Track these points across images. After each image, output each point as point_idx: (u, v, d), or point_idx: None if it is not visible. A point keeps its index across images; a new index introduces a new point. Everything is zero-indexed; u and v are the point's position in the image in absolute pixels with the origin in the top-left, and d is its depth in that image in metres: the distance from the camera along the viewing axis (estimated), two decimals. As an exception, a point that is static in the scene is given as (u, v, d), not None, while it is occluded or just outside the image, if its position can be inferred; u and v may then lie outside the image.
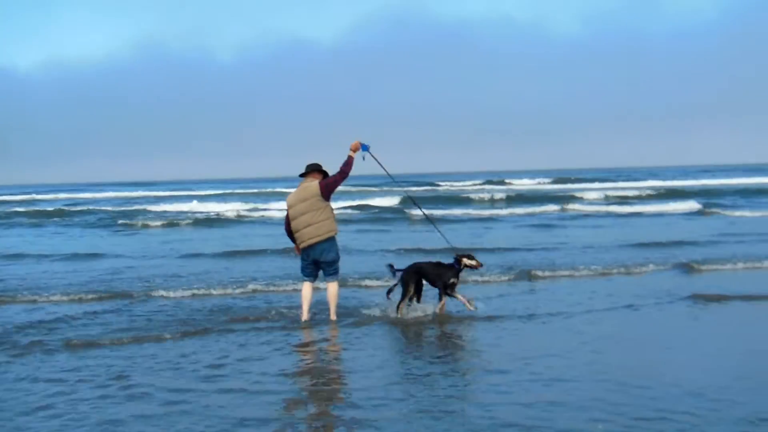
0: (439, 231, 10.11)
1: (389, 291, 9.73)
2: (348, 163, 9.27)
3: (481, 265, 9.61)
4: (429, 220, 10.91)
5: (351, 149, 9.31)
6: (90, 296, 11.20)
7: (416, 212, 27.18)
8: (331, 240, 9.31)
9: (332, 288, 9.46)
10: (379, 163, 9.61)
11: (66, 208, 38.17)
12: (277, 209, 33.09)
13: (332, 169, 9.30)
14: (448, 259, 9.66)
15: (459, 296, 9.47)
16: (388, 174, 10.05)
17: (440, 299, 9.52)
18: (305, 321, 9.36)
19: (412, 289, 9.48)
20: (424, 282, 9.63)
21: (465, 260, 9.50)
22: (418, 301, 9.64)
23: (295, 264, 11.00)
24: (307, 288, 9.47)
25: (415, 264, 9.67)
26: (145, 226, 26.63)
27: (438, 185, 65.03)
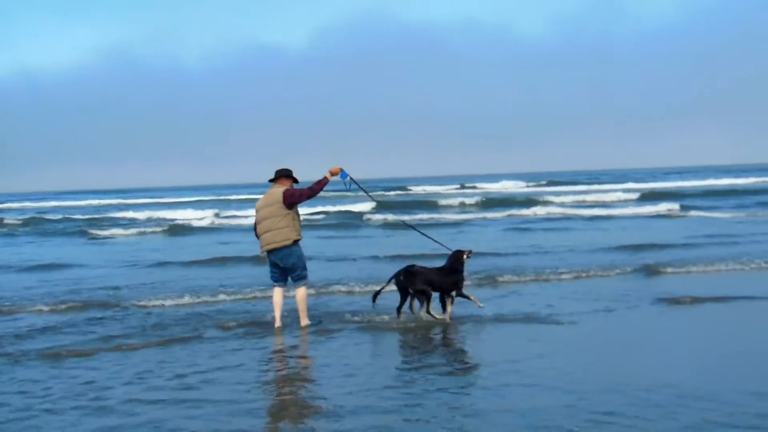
0: (433, 239, 10.36)
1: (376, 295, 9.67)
2: (320, 183, 9.42)
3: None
4: (422, 233, 10.73)
5: (330, 172, 9.48)
6: (61, 306, 11.05)
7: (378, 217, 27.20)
8: (289, 247, 9.41)
9: (298, 293, 9.56)
10: (362, 188, 9.85)
11: (37, 216, 37.61)
12: (245, 216, 32.98)
13: (311, 175, 9.53)
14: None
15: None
16: (373, 199, 10.46)
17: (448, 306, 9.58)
18: (278, 327, 9.43)
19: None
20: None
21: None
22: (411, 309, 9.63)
23: (263, 271, 11.12)
24: (276, 293, 9.59)
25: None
26: (113, 236, 26.25)
27: (409, 189, 65.09)
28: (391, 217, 27.59)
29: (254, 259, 15.23)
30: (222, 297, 11.65)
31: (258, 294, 11.65)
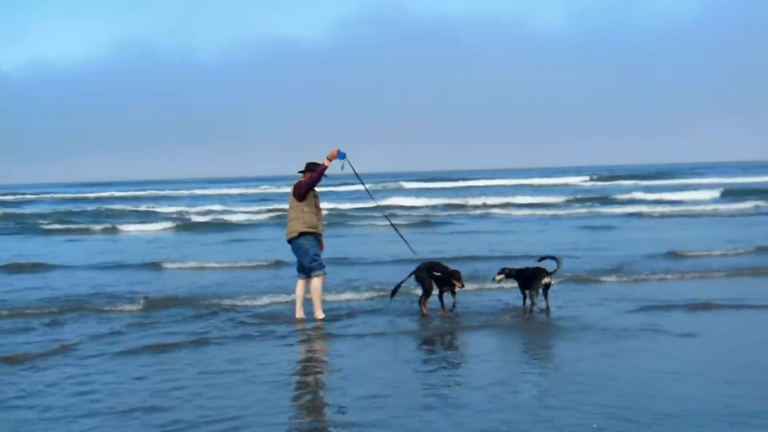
0: (405, 240, 10.56)
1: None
2: (318, 170, 9.74)
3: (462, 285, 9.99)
4: (395, 229, 11.06)
5: (327, 157, 9.76)
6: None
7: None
8: (296, 239, 9.82)
9: (313, 283, 9.89)
10: (354, 172, 10.12)
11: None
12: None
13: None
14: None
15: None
16: (362, 183, 10.82)
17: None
18: (299, 319, 9.83)
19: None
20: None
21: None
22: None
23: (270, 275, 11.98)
24: (298, 285, 10.00)
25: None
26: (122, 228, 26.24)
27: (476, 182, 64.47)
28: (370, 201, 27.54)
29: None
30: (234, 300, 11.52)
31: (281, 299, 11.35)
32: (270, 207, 36.03)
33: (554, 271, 9.67)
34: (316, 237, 9.95)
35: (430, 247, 16.67)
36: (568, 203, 35.68)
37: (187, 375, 7.03)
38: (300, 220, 9.87)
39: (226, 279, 13.31)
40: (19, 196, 62.48)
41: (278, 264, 14.77)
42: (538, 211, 30.34)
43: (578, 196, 39.09)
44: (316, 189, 10.08)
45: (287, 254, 11.12)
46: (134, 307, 10.66)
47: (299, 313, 9.92)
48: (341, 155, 9.82)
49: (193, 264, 15.39)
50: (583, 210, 30.69)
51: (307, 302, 9.91)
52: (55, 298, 11.42)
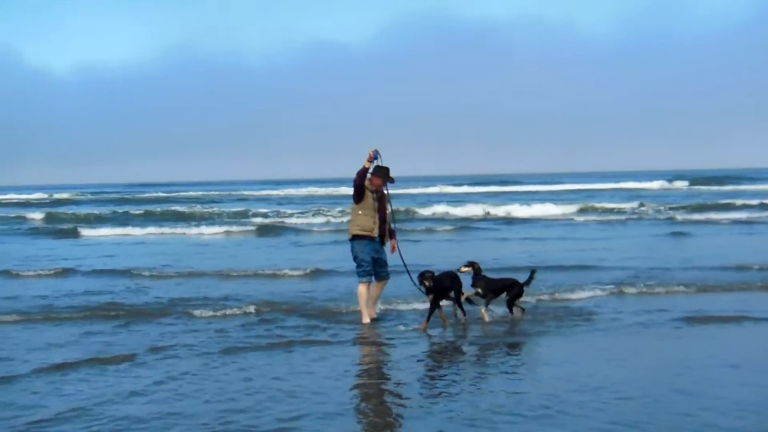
0: (400, 253, 10.61)
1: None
2: (358, 173, 10.13)
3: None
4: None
5: (367, 159, 10.12)
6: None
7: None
8: (353, 240, 10.31)
9: (358, 288, 10.35)
10: (370, 166, 10.23)
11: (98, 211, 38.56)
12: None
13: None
14: None
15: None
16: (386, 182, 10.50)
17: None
18: (365, 324, 10.18)
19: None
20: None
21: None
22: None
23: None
24: (362, 288, 10.35)
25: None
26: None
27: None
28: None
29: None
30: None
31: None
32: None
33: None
34: (371, 240, 10.22)
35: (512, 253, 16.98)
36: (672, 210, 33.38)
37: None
38: (354, 222, 10.31)
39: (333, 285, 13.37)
40: (95, 195, 64.81)
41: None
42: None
43: (673, 204, 35.70)
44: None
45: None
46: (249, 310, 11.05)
47: (365, 318, 10.24)
48: (375, 155, 10.09)
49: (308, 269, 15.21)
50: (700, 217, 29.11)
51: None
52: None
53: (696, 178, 67.45)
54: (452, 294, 10.19)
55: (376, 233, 10.30)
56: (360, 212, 10.26)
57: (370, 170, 10.19)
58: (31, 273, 15.73)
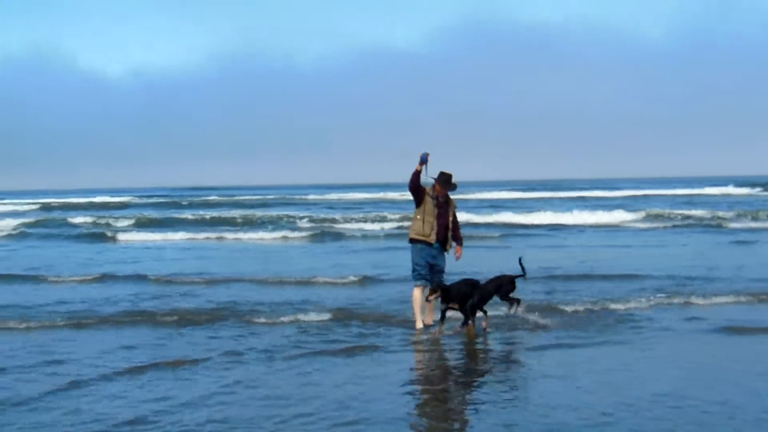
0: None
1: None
2: (412, 174, 10.13)
3: None
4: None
5: (418, 162, 10.08)
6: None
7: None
8: (410, 243, 10.42)
9: (413, 291, 10.36)
10: (425, 170, 10.15)
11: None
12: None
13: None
14: None
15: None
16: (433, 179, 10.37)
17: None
18: (418, 329, 10.12)
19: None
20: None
21: None
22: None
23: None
24: (416, 292, 10.31)
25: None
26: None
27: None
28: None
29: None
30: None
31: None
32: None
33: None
34: (427, 245, 10.22)
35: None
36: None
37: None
38: (412, 226, 10.46)
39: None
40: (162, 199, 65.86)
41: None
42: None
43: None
44: (453, 197, 10.53)
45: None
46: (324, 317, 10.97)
47: (419, 323, 10.18)
48: (423, 158, 10.03)
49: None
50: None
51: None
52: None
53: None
54: (471, 301, 9.94)
55: (432, 238, 10.25)
56: (418, 216, 10.30)
57: (423, 174, 10.11)
58: (80, 277, 15.95)
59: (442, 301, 9.83)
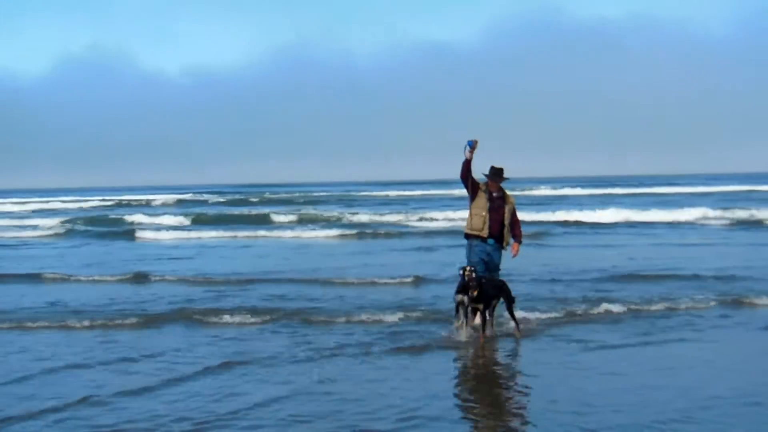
0: None
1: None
2: (462, 164, 9.97)
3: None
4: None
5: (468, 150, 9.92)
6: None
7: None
8: (466, 239, 10.26)
9: None
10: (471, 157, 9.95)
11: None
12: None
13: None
14: None
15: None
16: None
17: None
18: (471, 326, 9.85)
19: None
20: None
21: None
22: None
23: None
24: None
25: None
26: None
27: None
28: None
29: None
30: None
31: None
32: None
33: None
34: (481, 241, 10.05)
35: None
36: None
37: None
38: (467, 222, 10.30)
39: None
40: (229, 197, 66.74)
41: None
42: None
43: None
44: (508, 192, 10.29)
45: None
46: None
47: (471, 321, 9.89)
48: (469, 143, 9.83)
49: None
50: None
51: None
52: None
53: None
54: (495, 302, 9.85)
55: (486, 233, 10.07)
56: (472, 211, 10.19)
57: (465, 153, 9.88)
58: (118, 276, 15.96)
59: (473, 300, 9.49)
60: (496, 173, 10.08)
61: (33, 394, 7.41)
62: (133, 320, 11.01)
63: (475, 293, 9.40)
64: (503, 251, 10.38)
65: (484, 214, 10.03)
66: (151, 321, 11.01)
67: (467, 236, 10.23)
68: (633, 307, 11.35)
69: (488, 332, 9.65)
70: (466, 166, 9.93)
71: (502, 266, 10.43)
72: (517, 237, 10.35)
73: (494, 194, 10.15)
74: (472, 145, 9.78)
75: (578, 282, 13.84)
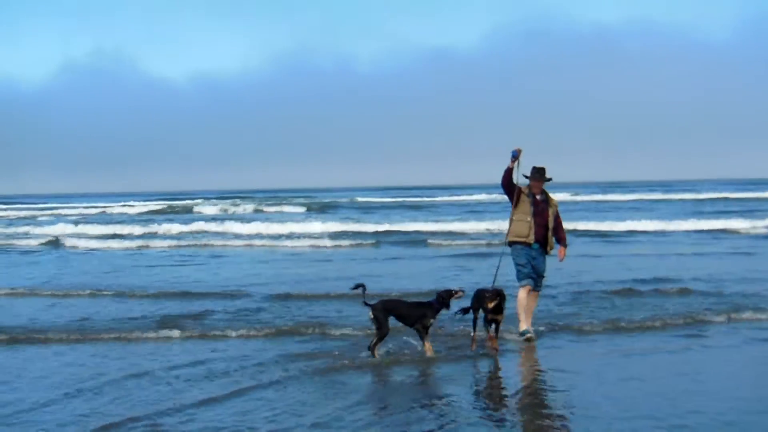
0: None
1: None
2: (504, 171, 9.86)
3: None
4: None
5: (511, 159, 9.81)
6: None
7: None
8: (509, 246, 10.04)
9: (518, 293, 9.97)
10: (515, 166, 9.87)
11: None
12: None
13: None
14: None
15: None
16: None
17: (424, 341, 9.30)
18: (522, 330, 9.84)
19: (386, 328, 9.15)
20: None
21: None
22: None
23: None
24: (521, 293, 9.96)
25: (386, 301, 9.39)
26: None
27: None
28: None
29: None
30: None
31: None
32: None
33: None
34: (526, 246, 9.82)
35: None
36: None
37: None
38: (509, 230, 10.06)
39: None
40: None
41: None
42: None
43: None
44: (552, 196, 10.17)
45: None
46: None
47: (523, 325, 9.85)
48: (514, 153, 9.77)
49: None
50: None
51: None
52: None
53: None
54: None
55: (531, 239, 9.86)
56: (515, 218, 9.96)
57: (516, 170, 9.80)
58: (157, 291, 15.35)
59: (493, 311, 9.22)
60: (537, 172, 9.90)
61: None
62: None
63: (492, 305, 9.13)
64: (547, 256, 10.13)
65: (529, 219, 9.82)
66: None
67: (512, 243, 9.96)
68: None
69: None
70: (508, 173, 9.79)
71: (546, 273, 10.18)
72: (562, 240, 10.19)
73: (537, 197, 9.99)
74: (516, 155, 9.72)
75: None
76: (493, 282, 9.63)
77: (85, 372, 8.68)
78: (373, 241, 26.28)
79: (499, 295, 9.22)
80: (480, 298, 9.37)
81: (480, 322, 9.43)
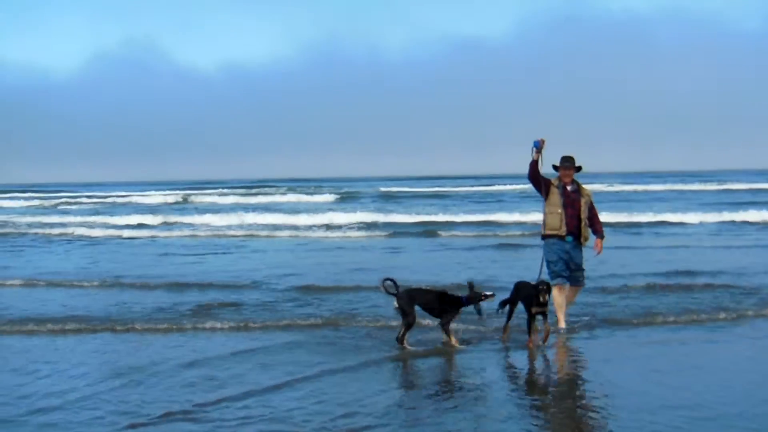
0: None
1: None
2: (530, 164, 9.68)
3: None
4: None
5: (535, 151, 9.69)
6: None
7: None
8: (543, 240, 9.94)
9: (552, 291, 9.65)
10: (539, 157, 9.73)
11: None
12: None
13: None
14: None
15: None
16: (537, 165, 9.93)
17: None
18: (560, 328, 9.84)
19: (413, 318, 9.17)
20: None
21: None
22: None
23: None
24: (554, 291, 9.71)
25: (411, 290, 9.41)
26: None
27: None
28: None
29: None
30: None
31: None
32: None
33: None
34: (559, 239, 9.71)
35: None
36: None
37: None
38: (544, 222, 9.90)
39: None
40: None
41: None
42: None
43: None
44: (585, 186, 10.03)
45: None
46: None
47: (560, 323, 9.88)
48: (536, 143, 9.61)
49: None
50: None
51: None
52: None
53: None
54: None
55: (564, 231, 9.70)
56: (547, 210, 9.79)
57: (541, 161, 9.64)
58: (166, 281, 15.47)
59: (542, 304, 9.13)
60: (566, 161, 9.81)
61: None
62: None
63: (545, 298, 9.05)
64: (584, 248, 10.06)
65: (559, 211, 9.67)
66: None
67: (546, 237, 9.84)
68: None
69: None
70: (534, 166, 9.62)
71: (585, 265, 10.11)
72: (599, 232, 10.00)
73: (568, 188, 9.83)
74: (539, 146, 9.56)
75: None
76: (539, 274, 9.58)
77: (143, 360, 8.90)
78: (400, 232, 26.48)
79: (548, 287, 9.21)
80: (521, 290, 9.41)
81: (517, 315, 9.51)
